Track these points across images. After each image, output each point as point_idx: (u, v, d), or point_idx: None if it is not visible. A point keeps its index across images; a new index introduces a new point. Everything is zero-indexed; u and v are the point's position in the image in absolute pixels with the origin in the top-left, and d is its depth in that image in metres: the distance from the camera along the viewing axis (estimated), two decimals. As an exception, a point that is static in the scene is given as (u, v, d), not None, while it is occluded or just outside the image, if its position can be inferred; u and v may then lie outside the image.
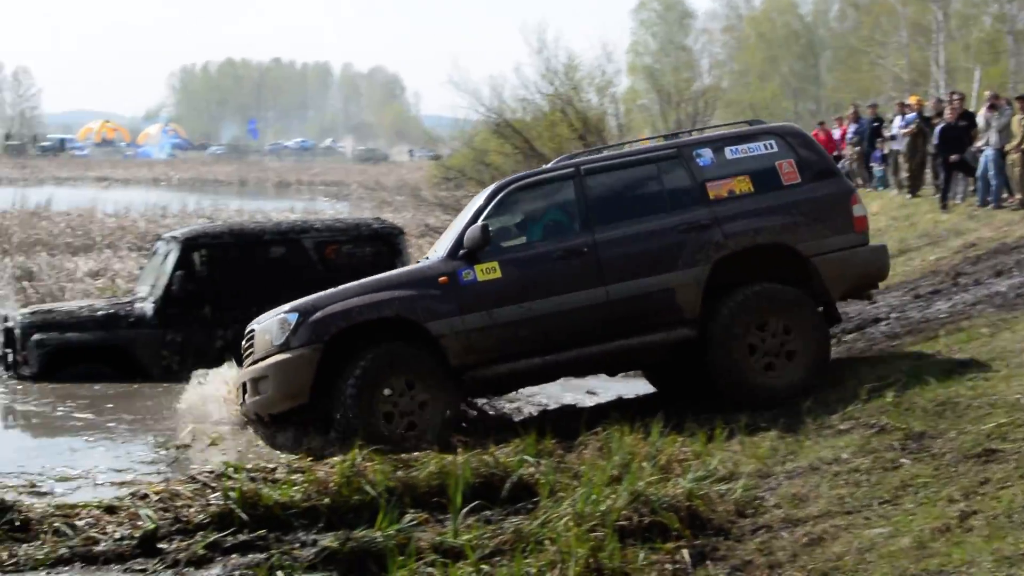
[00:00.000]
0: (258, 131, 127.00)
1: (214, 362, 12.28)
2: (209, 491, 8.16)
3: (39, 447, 11.07)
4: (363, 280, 10.92)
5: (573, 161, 11.50)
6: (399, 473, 8.29)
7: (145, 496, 8.18)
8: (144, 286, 14.49)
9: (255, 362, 10.67)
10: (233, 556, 7.15)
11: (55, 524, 7.61)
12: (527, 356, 10.51)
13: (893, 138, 25.51)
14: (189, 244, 14.05)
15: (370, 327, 10.42)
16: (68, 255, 23.58)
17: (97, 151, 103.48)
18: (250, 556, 7.11)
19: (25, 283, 19.40)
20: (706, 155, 11.16)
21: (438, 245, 11.41)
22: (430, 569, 6.76)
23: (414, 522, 7.46)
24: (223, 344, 13.40)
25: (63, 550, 7.21)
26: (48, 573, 7.01)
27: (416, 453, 8.97)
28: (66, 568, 7.06)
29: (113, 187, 56.16)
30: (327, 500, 7.86)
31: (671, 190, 11.10)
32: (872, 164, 27.61)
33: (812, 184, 11.11)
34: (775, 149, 11.24)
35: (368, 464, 8.39)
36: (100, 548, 7.26)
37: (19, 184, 52.35)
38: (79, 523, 7.67)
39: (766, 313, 10.54)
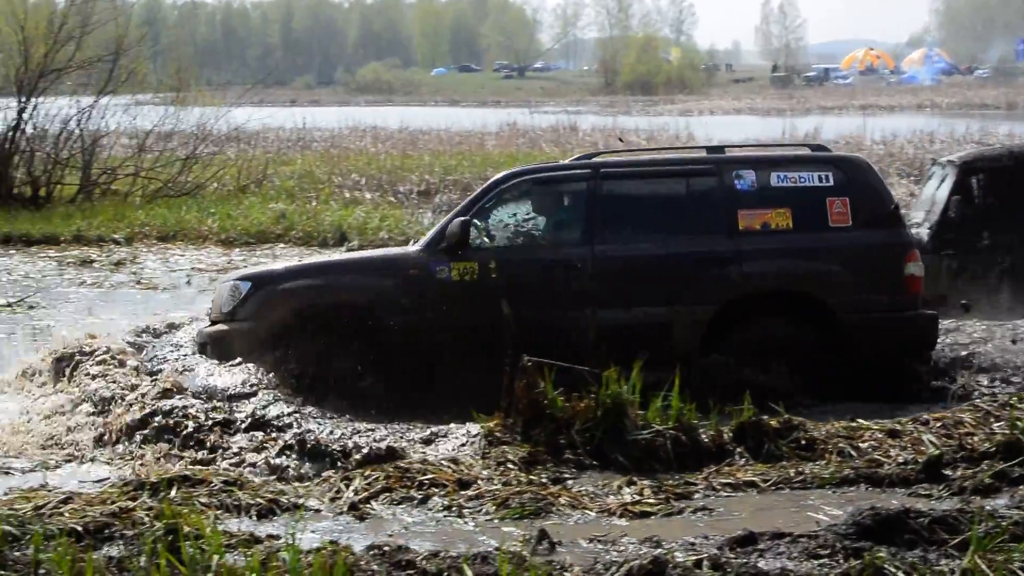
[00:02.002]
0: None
1: (991, 290, 11.83)
2: (992, 419, 7.96)
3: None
4: (330, 258, 10.33)
5: (592, 161, 10.37)
6: None
7: (927, 422, 8.12)
8: (919, 212, 14.25)
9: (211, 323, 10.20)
10: (1021, 487, 6.85)
11: (839, 445, 7.76)
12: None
13: None
14: (966, 168, 13.58)
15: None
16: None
17: (860, 79, 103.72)
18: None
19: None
20: (747, 177, 9.75)
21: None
22: None
23: None
24: (1001, 270, 12.86)
25: (847, 471, 7.32)
26: (834, 492, 7.13)
27: None
28: (851, 488, 7.15)
29: (877, 114, 56.03)
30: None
31: (696, 211, 9.82)
32: None
33: (863, 231, 9.68)
34: (830, 183, 9.74)
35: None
36: (884, 471, 7.28)
37: (786, 114, 54.02)
38: (862, 445, 7.76)
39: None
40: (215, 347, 9.87)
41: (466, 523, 6.65)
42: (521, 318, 9.20)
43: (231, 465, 7.77)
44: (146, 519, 6.12)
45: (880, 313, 9.64)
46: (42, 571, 5.41)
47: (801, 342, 9.55)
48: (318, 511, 6.86)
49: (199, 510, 6.45)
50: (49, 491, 6.78)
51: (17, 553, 5.61)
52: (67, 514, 6.21)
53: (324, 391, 9.27)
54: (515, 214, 10.16)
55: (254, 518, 6.72)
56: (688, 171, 10.13)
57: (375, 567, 5.53)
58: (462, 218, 9.73)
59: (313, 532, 6.36)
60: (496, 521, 6.64)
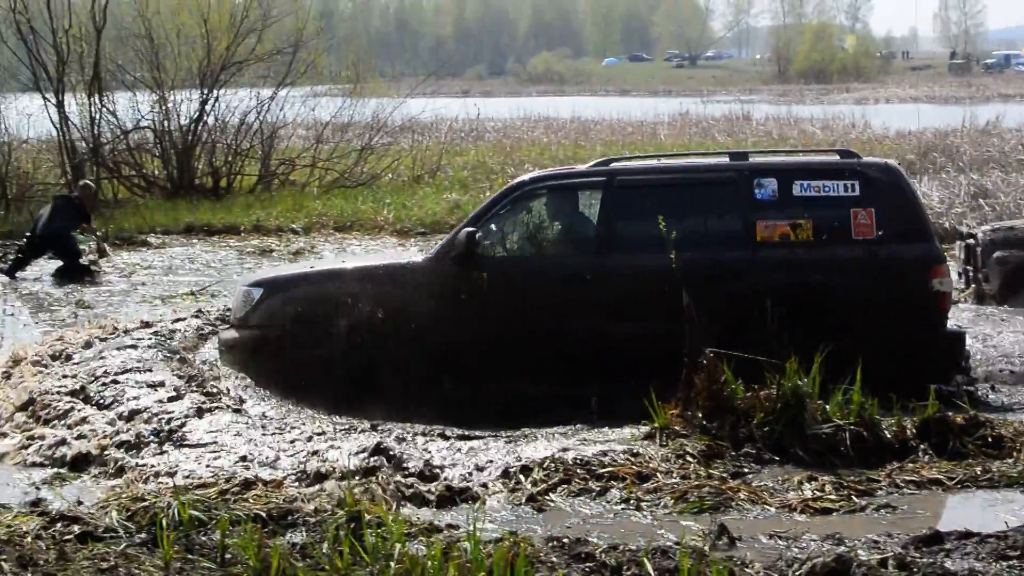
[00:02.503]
0: None
1: None
2: None
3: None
4: (341, 265, 10.31)
5: (609, 168, 9.92)
6: None
7: None
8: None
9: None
10: None
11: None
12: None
13: None
14: None
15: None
16: (1021, 172, 23.02)
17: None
18: None
19: (981, 200, 19.25)
20: (768, 186, 9.35)
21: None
22: None
23: None
24: None
25: (1039, 469, 7.07)
26: (1022, 492, 6.88)
27: None
28: (1040, 489, 6.91)
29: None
30: None
31: (714, 222, 9.48)
32: None
33: (889, 244, 9.19)
34: (856, 192, 9.29)
35: None
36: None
37: (965, 102, 52.38)
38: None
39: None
40: (229, 353, 9.88)
41: (644, 516, 6.61)
42: (531, 328, 9.31)
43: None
44: (328, 506, 6.20)
45: (903, 330, 9.17)
46: (228, 555, 5.52)
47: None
48: (496, 502, 6.88)
49: (380, 499, 6.53)
50: (232, 477, 6.93)
51: (204, 537, 5.75)
52: (251, 500, 6.34)
53: (331, 398, 9.14)
54: (528, 222, 9.90)
55: (434, 507, 6.78)
56: (707, 179, 9.76)
57: (555, 559, 5.52)
58: (469, 229, 9.51)
59: (492, 523, 6.38)
60: (675, 515, 6.60)
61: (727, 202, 9.49)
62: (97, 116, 24.51)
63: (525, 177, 10.39)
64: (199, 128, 25.53)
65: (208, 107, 25.62)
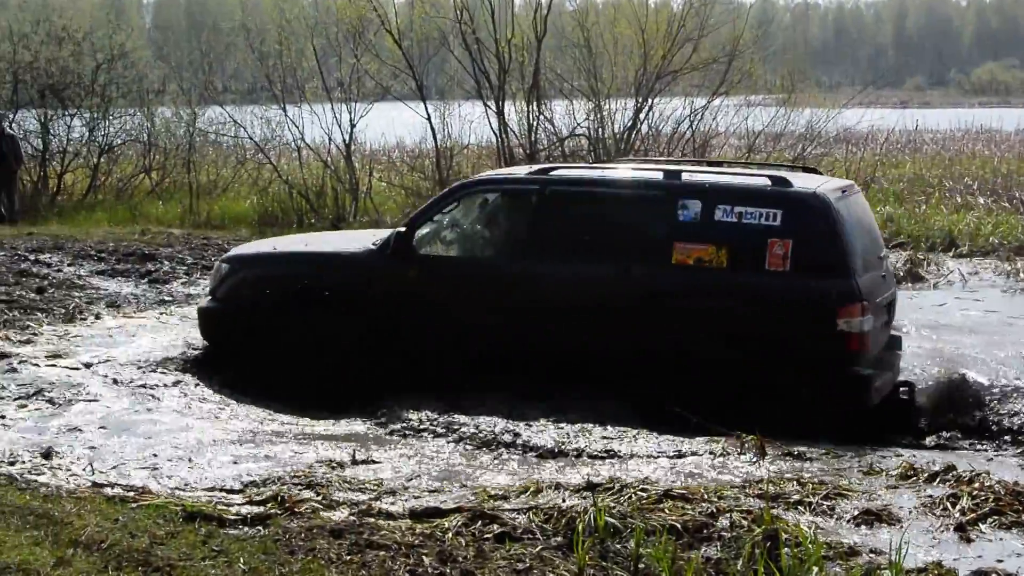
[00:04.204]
0: None
1: None
2: None
3: None
4: (300, 248, 10.90)
5: (544, 175, 9.89)
6: None
7: None
8: None
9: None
10: None
11: None
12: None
13: None
14: None
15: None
16: None
17: None
18: None
19: None
20: (692, 208, 9.11)
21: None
22: None
23: None
24: None
25: None
26: None
27: None
28: None
29: None
30: None
31: (635, 238, 9.25)
32: None
33: (800, 278, 8.80)
34: (776, 223, 8.87)
35: None
36: None
37: None
38: None
39: None
40: (200, 322, 10.68)
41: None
42: (454, 325, 9.61)
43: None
44: (744, 522, 6.05)
45: (804, 369, 8.70)
46: (641, 565, 5.49)
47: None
48: (919, 528, 6.49)
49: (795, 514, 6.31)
50: (649, 485, 6.90)
51: (618, 546, 5.74)
52: (667, 511, 6.28)
53: (277, 379, 9.82)
54: (462, 222, 10.17)
55: (850, 525, 6.48)
56: (636, 196, 9.52)
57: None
58: (400, 230, 9.96)
59: (916, 549, 6.00)
60: None
61: (651, 220, 9.31)
62: (535, 123, 25.41)
63: (467, 179, 10.93)
64: (632, 136, 25.91)
65: (642, 116, 25.96)
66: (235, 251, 11.71)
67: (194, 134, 27.21)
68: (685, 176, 9.63)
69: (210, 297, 10.79)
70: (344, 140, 25.44)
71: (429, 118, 25.72)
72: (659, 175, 9.70)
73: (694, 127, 26.33)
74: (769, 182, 9.29)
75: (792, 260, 8.89)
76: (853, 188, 10.05)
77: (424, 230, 10.08)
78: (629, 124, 25.98)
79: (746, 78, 27.21)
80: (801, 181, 9.49)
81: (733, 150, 28.50)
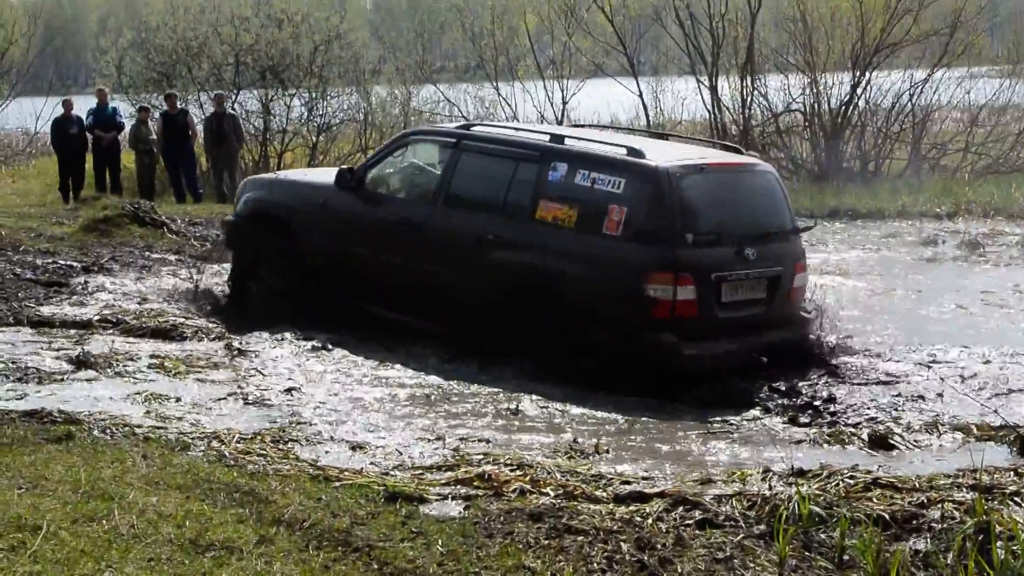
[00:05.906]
0: None
1: None
2: None
3: None
4: (284, 175, 13.20)
5: (462, 131, 10.95)
6: None
7: None
8: None
9: None
10: None
11: None
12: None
13: None
14: None
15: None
16: None
17: None
18: None
19: None
20: (560, 170, 9.82)
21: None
22: None
23: None
24: None
25: None
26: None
27: None
28: None
29: None
30: None
31: (514, 194, 10.04)
32: None
33: (625, 243, 9.29)
34: (619, 190, 9.42)
35: None
36: None
37: None
38: None
39: None
40: (222, 231, 12.60)
41: None
42: (386, 260, 10.60)
43: None
44: (956, 513, 5.86)
45: (617, 328, 9.20)
46: (845, 557, 5.38)
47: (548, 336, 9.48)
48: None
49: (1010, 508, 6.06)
50: (858, 472, 6.72)
51: (823, 535, 5.64)
52: (874, 499, 6.13)
53: (270, 294, 11.14)
54: (402, 167, 11.10)
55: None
56: (521, 154, 10.15)
57: None
58: (345, 167, 11.35)
59: None
60: None
61: (528, 178, 9.95)
62: (749, 98, 25.08)
63: (412, 129, 12.24)
64: (849, 111, 25.32)
65: (859, 90, 25.33)
66: (253, 176, 14.03)
67: (409, 113, 27.74)
68: (568, 141, 10.17)
69: (234, 212, 12.35)
70: (556, 118, 25.59)
71: (641, 95, 25.66)
72: (546, 138, 10.34)
73: (914, 101, 25.55)
74: (625, 152, 9.72)
75: (624, 226, 9.35)
76: (732, 167, 10.18)
77: (375, 171, 11.14)
78: (846, 99, 25.42)
79: (969, 49, 26.22)
80: (664, 154, 9.82)
81: (955, 124, 27.53)
